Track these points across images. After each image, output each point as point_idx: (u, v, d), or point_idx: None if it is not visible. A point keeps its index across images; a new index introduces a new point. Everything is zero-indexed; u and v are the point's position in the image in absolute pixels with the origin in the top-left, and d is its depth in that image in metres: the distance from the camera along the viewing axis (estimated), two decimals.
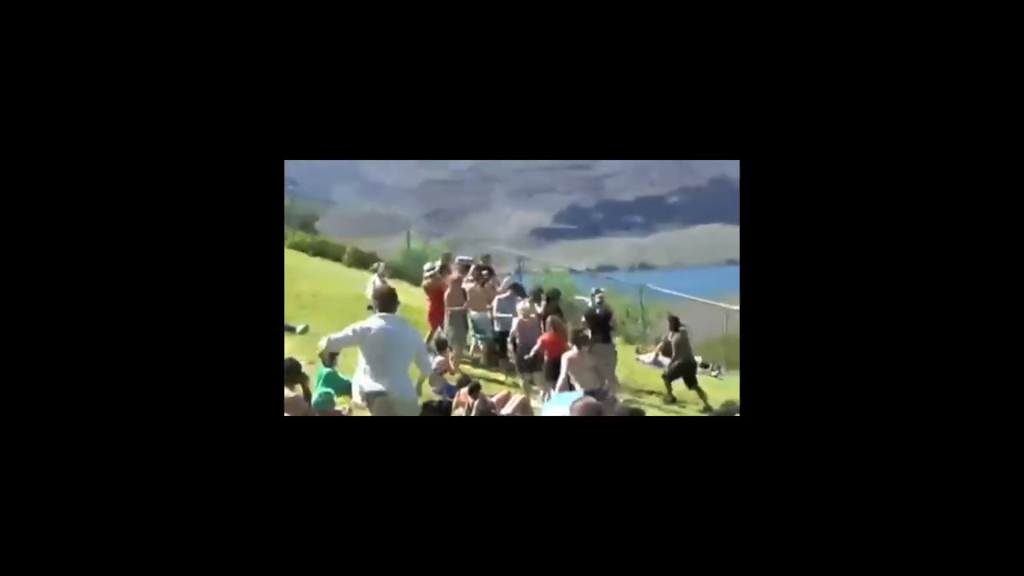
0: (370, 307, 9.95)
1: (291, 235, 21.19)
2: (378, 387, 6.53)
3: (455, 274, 13.41)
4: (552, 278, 22.05)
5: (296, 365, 7.69)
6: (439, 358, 11.53)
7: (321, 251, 21.39)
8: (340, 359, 10.00)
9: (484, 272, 13.67)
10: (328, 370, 9.65)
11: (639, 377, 14.62)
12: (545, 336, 12.03)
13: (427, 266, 13.93)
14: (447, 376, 11.55)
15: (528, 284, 16.29)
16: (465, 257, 15.01)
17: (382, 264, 14.01)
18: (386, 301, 6.94)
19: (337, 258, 22.11)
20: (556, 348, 11.45)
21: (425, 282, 13.07)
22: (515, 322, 12.59)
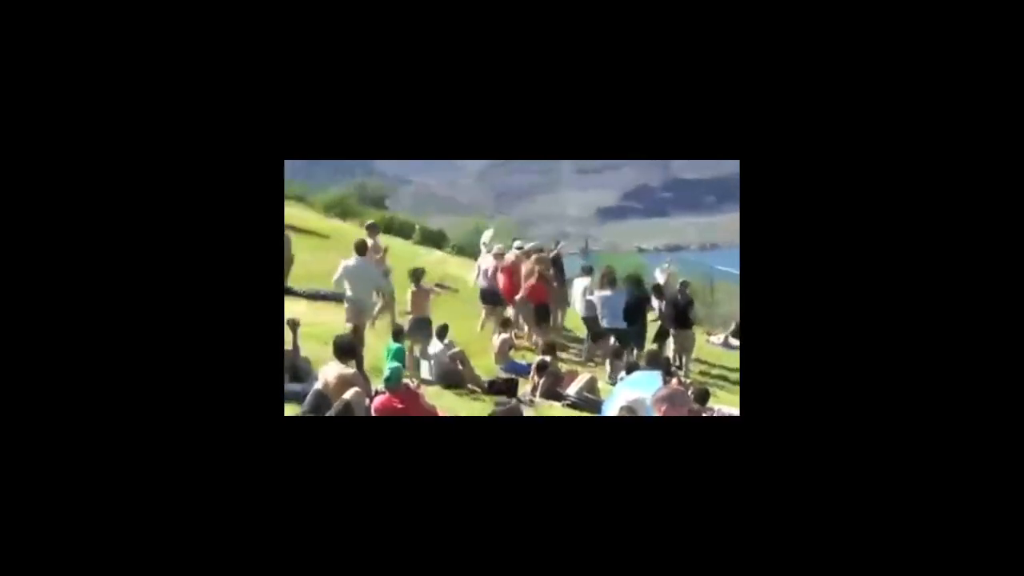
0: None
1: (364, 212, 21.52)
2: (349, 295, 9.93)
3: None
4: (619, 258, 21.97)
5: (352, 342, 7.76)
6: (504, 335, 11.77)
7: (389, 228, 21.60)
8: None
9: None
10: (397, 346, 9.85)
11: (709, 357, 14.54)
12: (530, 283, 12.71)
13: (517, 244, 14.50)
14: (512, 353, 11.73)
15: (595, 263, 16.24)
16: (521, 242, 15.04)
17: (371, 222, 15.18)
18: (358, 248, 10.24)
19: (407, 235, 22.38)
20: (540, 295, 12.70)
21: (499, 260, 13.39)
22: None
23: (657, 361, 10.29)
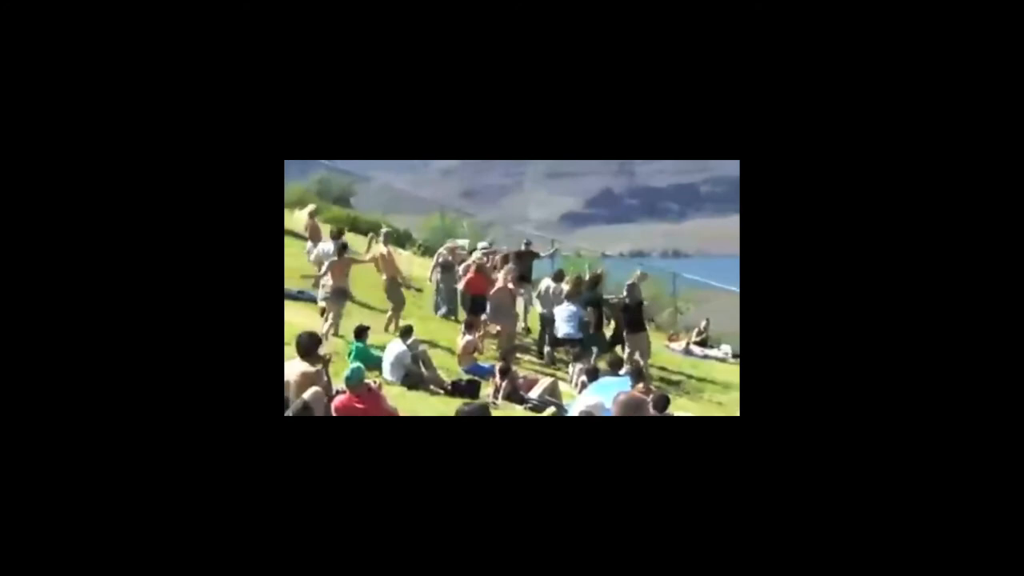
0: None
1: (327, 210, 21.41)
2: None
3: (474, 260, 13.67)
4: (582, 262, 21.96)
5: (318, 340, 7.73)
6: (468, 337, 11.78)
7: (354, 226, 21.45)
8: (370, 334, 10.32)
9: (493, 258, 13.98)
10: (359, 344, 9.91)
11: (669, 363, 14.56)
12: (469, 276, 13.02)
13: (482, 244, 14.98)
14: (476, 356, 11.72)
15: (559, 267, 16.32)
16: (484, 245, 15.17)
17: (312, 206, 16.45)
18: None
19: (368, 233, 22.23)
20: (478, 286, 12.89)
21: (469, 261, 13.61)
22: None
23: (620, 366, 10.37)
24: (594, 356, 11.86)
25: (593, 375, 10.34)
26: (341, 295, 11.49)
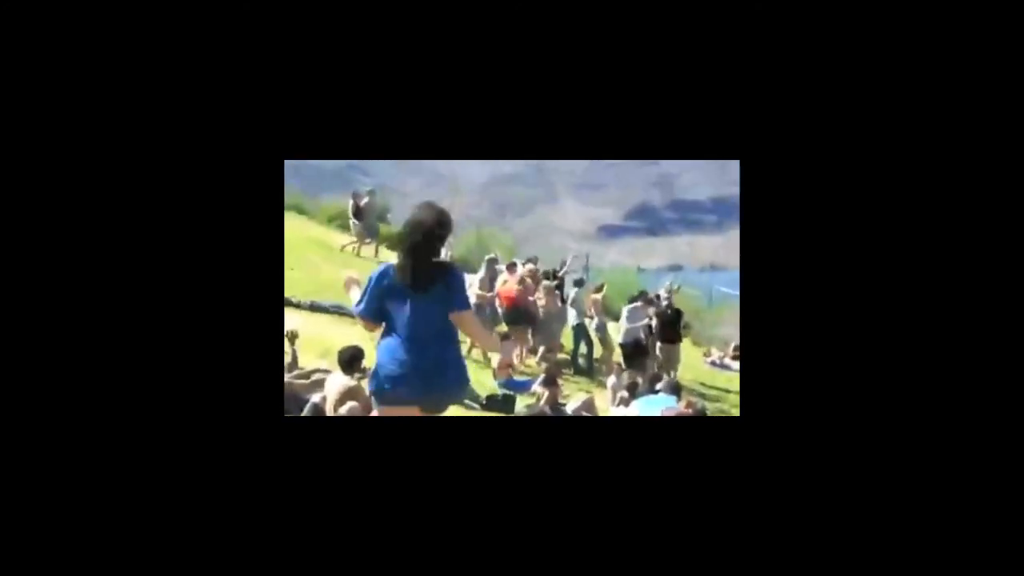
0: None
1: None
2: None
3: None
4: (616, 275, 21.93)
5: (360, 353, 7.78)
6: (506, 351, 11.86)
7: (396, 244, 21.71)
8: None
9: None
10: None
11: (704, 378, 14.54)
12: (510, 289, 13.27)
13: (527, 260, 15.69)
14: (510, 371, 11.73)
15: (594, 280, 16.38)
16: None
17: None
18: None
19: None
20: (518, 299, 13.10)
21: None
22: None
23: (658, 380, 10.39)
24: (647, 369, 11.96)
25: (632, 389, 10.36)
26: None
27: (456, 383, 4.82)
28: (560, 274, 14.65)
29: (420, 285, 4.53)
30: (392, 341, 4.63)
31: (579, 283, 14.09)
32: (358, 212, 19.49)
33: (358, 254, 19.04)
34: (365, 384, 7.56)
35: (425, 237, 4.57)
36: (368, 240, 19.54)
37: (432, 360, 4.61)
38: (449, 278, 4.54)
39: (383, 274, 4.65)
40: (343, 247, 19.62)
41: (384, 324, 4.68)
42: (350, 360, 7.37)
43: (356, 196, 19.94)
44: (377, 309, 4.65)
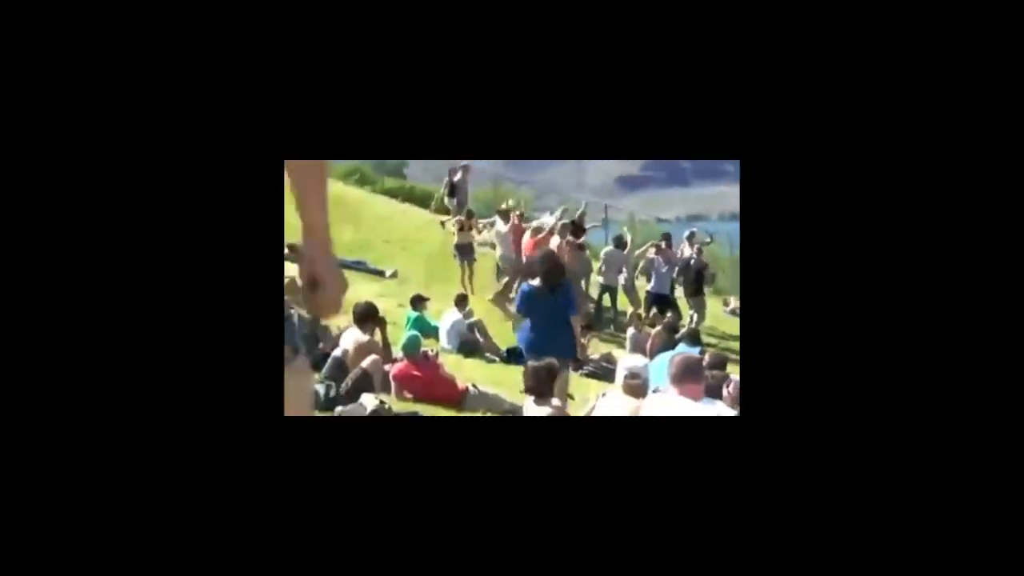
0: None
1: (381, 182, 21.72)
2: None
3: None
4: (638, 227, 21.90)
5: (373, 309, 7.86)
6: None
7: (410, 197, 21.72)
8: (429, 304, 10.44)
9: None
10: (416, 314, 10.09)
11: (725, 327, 14.58)
12: (535, 239, 13.98)
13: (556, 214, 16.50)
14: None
15: (614, 232, 16.38)
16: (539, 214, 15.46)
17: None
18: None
19: (426, 205, 22.48)
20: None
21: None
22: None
23: (676, 331, 10.46)
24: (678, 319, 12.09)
25: (672, 331, 10.57)
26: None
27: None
28: (586, 225, 14.66)
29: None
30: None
31: (619, 243, 14.08)
32: (452, 189, 18.93)
33: (462, 229, 17.25)
34: (378, 337, 7.68)
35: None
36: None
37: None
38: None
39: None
40: (443, 223, 18.87)
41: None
42: (363, 315, 7.45)
43: (451, 172, 19.24)
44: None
